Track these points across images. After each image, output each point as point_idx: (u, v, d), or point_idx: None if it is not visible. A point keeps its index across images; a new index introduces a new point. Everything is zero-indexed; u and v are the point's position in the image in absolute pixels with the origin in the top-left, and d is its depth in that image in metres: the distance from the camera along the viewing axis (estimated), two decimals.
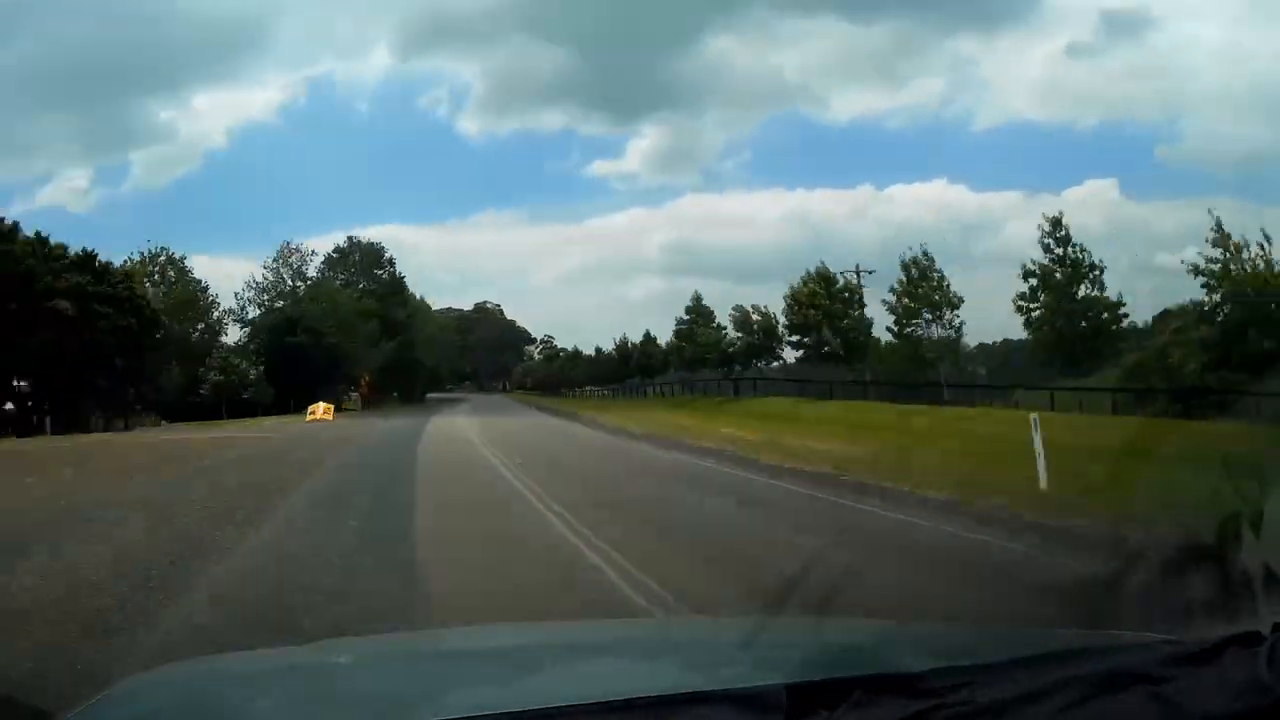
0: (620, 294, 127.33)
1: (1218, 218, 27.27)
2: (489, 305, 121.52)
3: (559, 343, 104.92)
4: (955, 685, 1.37)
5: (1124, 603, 4.40)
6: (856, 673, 1.53)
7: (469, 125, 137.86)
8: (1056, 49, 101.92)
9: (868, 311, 44.80)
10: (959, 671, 1.49)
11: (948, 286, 40.40)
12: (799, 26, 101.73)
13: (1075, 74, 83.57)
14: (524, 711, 1.40)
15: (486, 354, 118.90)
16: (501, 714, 1.39)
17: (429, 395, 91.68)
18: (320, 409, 44.71)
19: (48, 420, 39.33)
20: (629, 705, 1.40)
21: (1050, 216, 35.54)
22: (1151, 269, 68.34)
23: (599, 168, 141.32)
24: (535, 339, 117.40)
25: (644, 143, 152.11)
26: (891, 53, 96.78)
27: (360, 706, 1.64)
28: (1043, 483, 10.06)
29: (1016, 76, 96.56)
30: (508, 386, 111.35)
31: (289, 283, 76.83)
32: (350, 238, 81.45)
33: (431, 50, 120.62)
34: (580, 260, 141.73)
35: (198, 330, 65.90)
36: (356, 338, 69.54)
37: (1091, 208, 78.90)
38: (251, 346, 66.55)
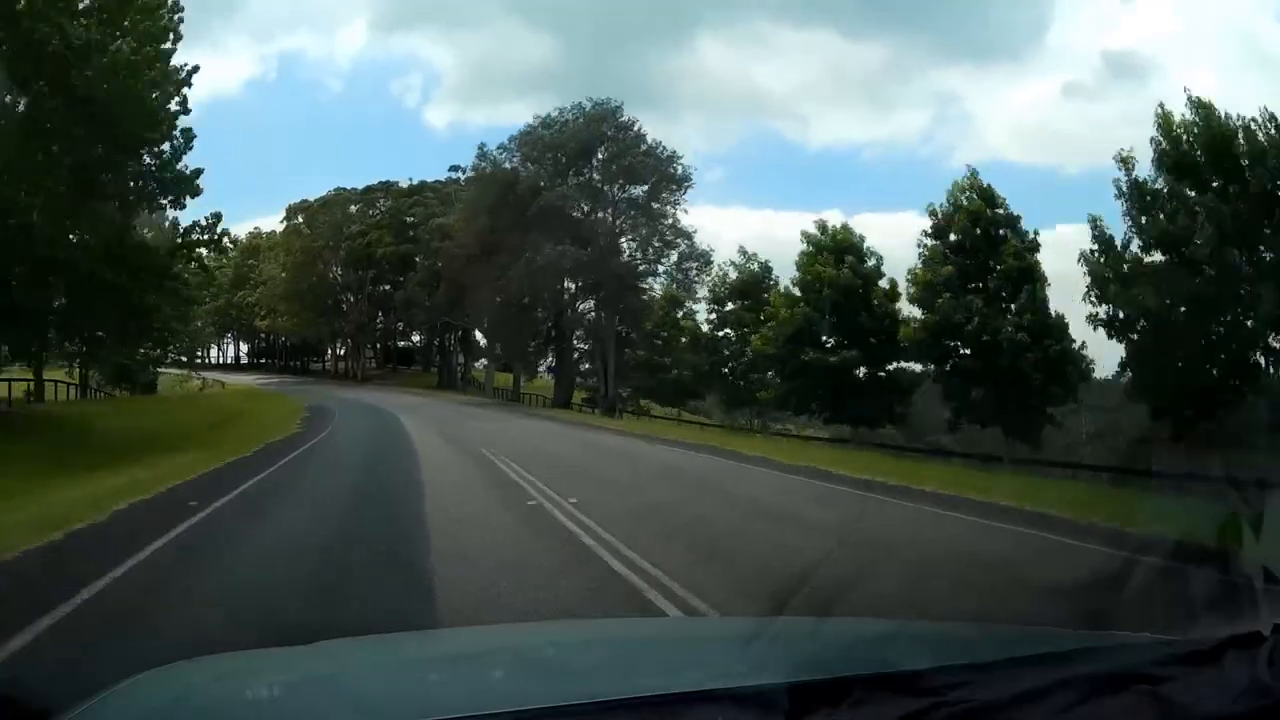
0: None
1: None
2: None
3: None
4: (955, 684, 1.38)
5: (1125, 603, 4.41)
6: (857, 672, 1.54)
7: (436, 114, 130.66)
8: (1051, 89, 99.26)
9: None
10: (959, 671, 1.49)
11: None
12: (792, 39, 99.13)
13: (1064, 116, 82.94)
14: (524, 711, 1.40)
15: None
16: (502, 714, 1.39)
17: None
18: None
19: None
20: (629, 705, 1.41)
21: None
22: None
23: None
24: None
25: None
26: (879, 76, 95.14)
27: (360, 706, 1.64)
28: None
29: (1001, 114, 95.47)
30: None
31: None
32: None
33: (405, 31, 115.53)
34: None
35: None
36: None
37: (1061, 251, 78.92)
38: None
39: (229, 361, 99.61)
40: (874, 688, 1.38)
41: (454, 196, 57.16)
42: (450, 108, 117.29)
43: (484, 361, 63.13)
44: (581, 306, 50.33)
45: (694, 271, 45.73)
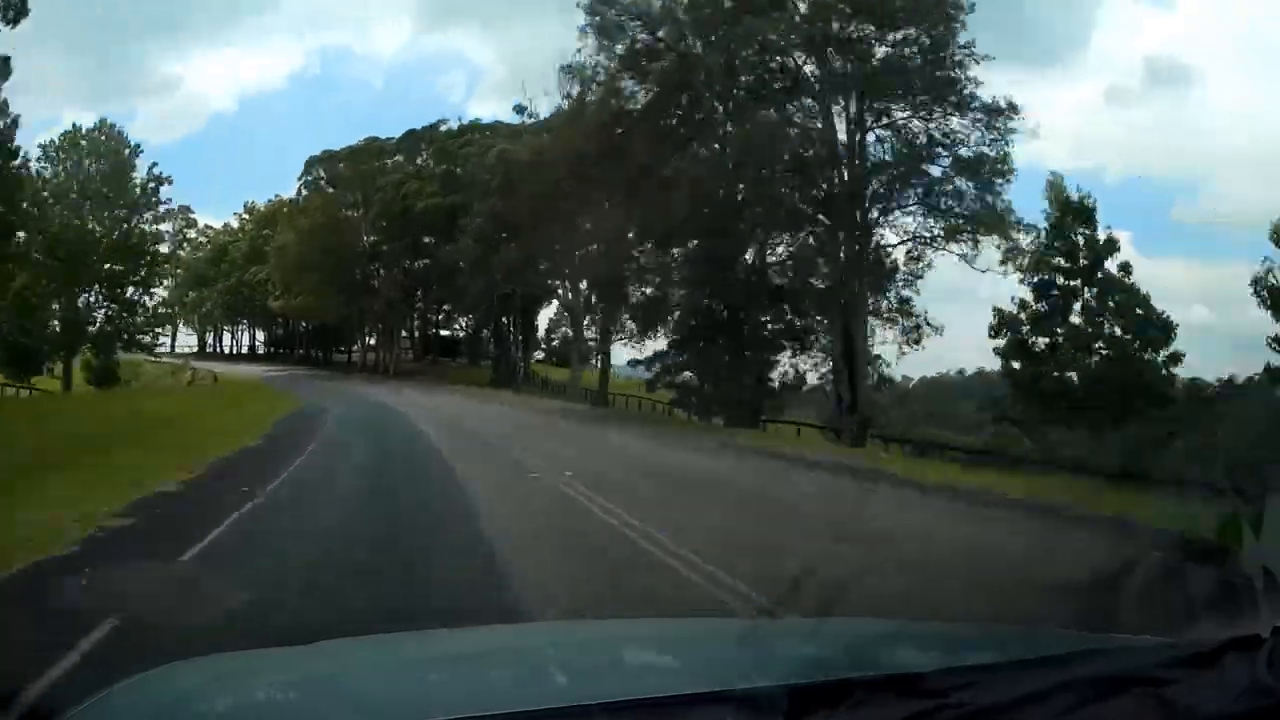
0: None
1: None
2: None
3: None
4: (957, 686, 1.38)
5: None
6: (857, 673, 1.53)
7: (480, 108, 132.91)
8: (1094, 94, 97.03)
9: None
10: (960, 672, 1.49)
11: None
12: None
13: (1107, 121, 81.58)
14: (524, 712, 1.40)
15: None
16: (502, 714, 1.39)
17: None
18: None
19: None
20: (629, 706, 1.41)
21: None
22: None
23: None
24: None
25: None
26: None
27: (360, 707, 1.64)
28: None
29: (1047, 119, 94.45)
30: None
31: None
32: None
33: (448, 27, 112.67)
34: None
35: None
36: None
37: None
38: None
39: (241, 351, 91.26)
40: (874, 689, 1.38)
41: (524, 131, 41.34)
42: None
43: (583, 340, 45.42)
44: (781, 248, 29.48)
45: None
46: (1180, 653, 1.51)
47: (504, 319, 54.39)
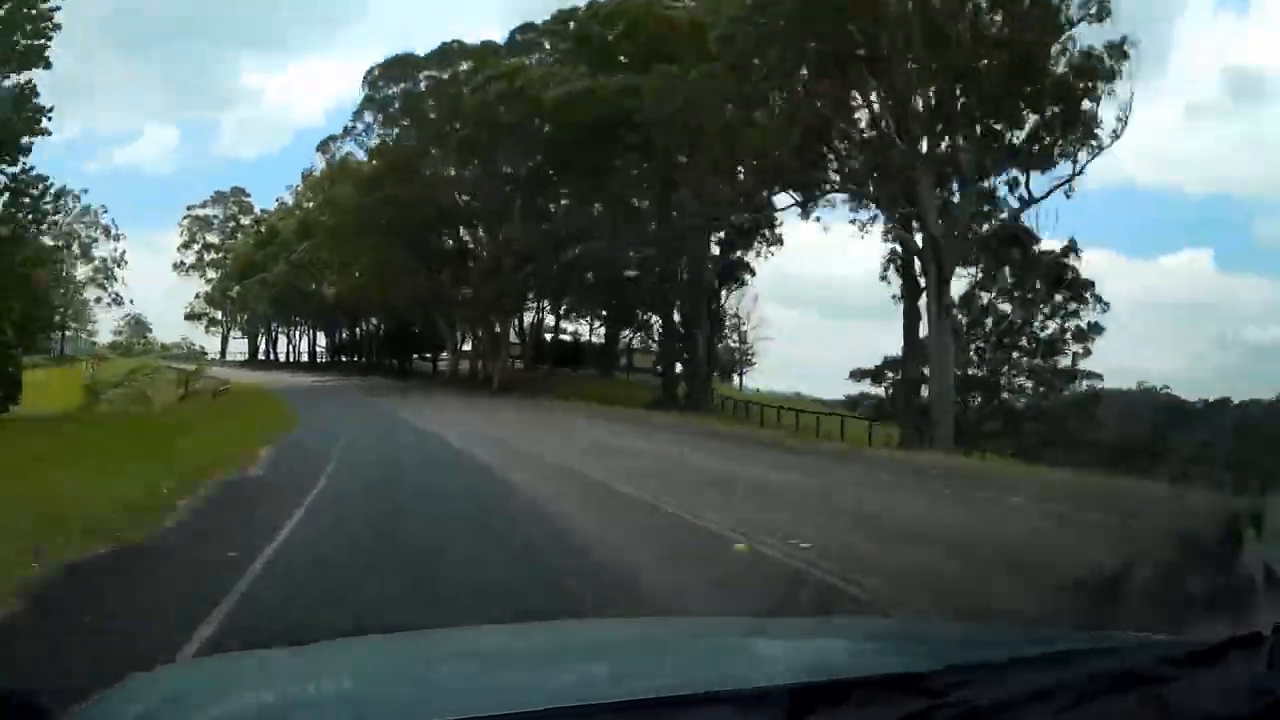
0: None
1: None
2: None
3: None
4: (957, 685, 1.38)
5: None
6: (857, 673, 1.54)
7: None
8: (1176, 109, 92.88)
9: None
10: (960, 671, 1.49)
11: None
12: None
13: (1191, 137, 79.72)
14: (524, 713, 1.40)
15: None
16: (501, 715, 1.39)
17: None
18: None
19: None
20: (629, 706, 1.40)
21: None
22: (1236, 343, 66.03)
23: None
24: None
25: None
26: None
27: (360, 707, 1.64)
28: None
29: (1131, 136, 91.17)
30: None
31: None
32: None
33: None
34: None
35: None
36: None
37: (1180, 276, 76.37)
38: None
39: (299, 359, 75.12)
40: (875, 688, 1.38)
41: None
42: None
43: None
44: None
45: None
46: (1180, 651, 1.51)
47: (677, 306, 35.32)
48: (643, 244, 31.14)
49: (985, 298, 30.43)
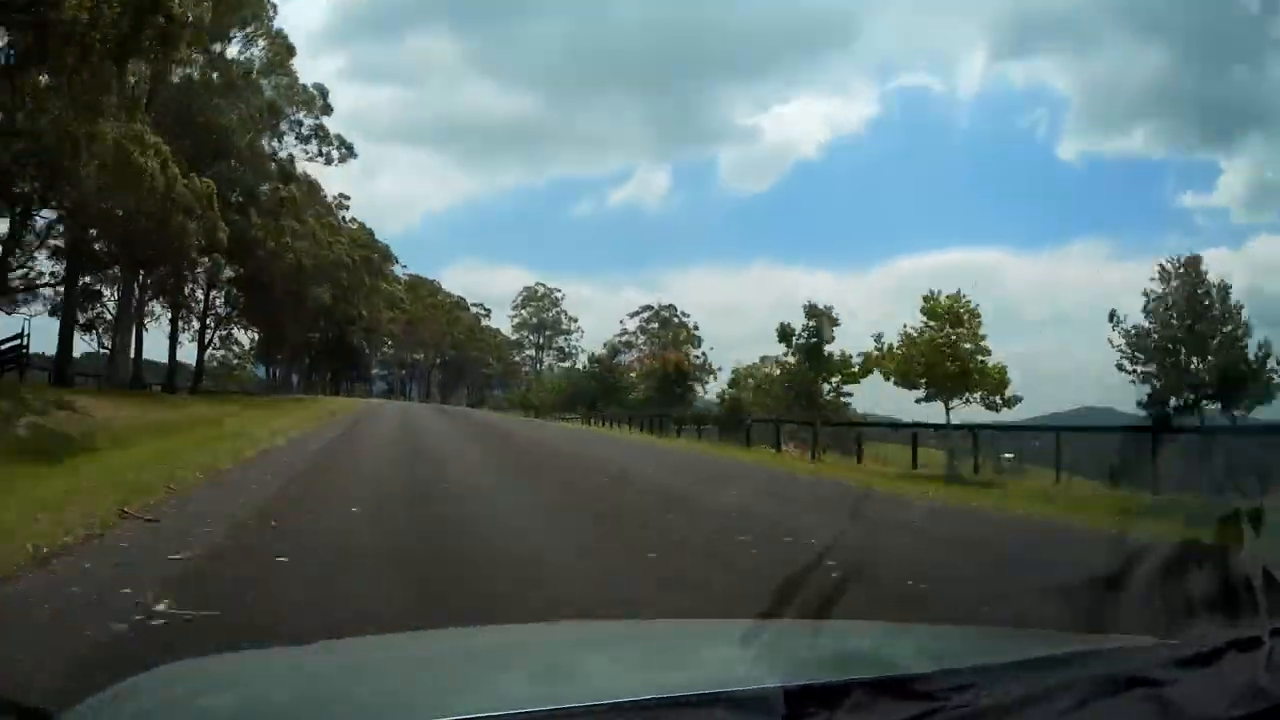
0: None
1: None
2: None
3: None
4: (954, 687, 1.37)
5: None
6: (855, 675, 1.53)
7: (1066, 146, 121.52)
8: None
9: None
10: (959, 674, 1.49)
11: None
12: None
13: None
14: (523, 713, 1.40)
15: None
16: (501, 715, 1.39)
17: None
18: None
19: None
20: (623, 709, 1.40)
21: None
22: None
23: (1185, 200, 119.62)
24: None
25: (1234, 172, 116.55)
26: None
27: (360, 707, 1.64)
28: None
29: None
30: None
31: None
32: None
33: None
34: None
35: None
36: None
37: None
38: None
39: None
40: (872, 691, 1.38)
41: None
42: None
43: None
44: None
45: None
46: (1180, 653, 1.51)
47: None
48: None
49: None
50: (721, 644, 2.25)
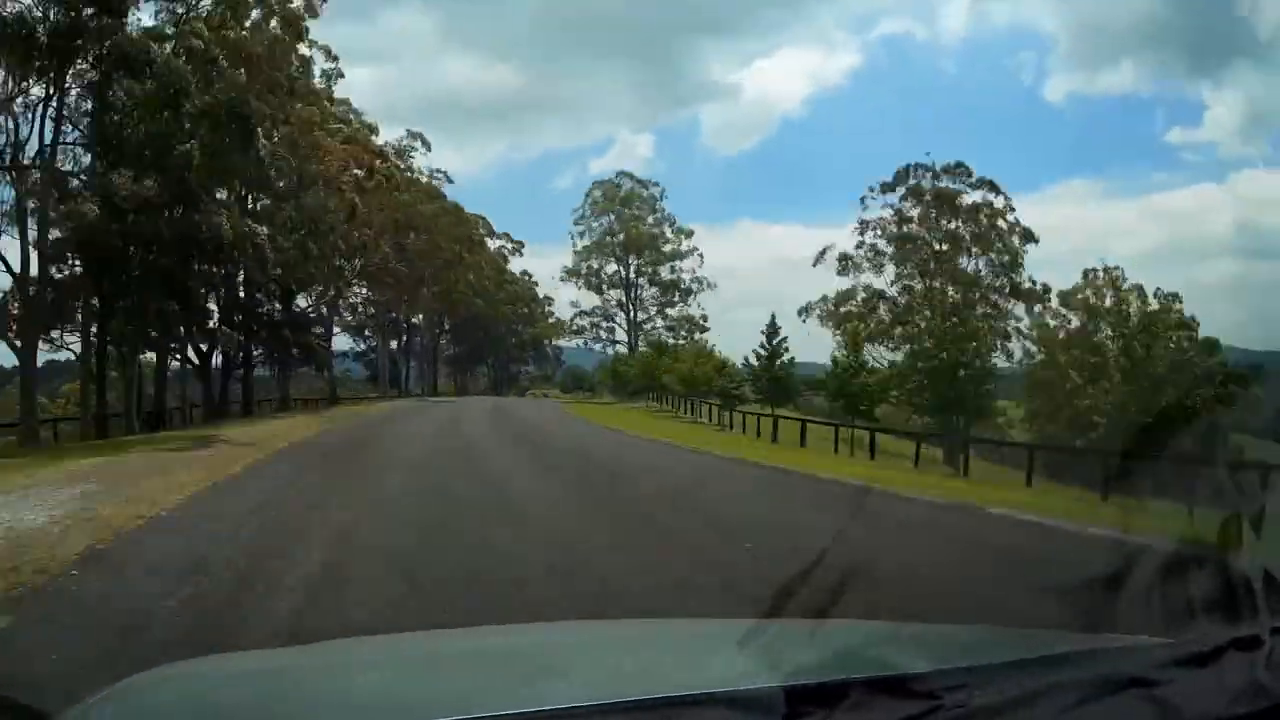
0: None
1: None
2: None
3: None
4: (953, 687, 1.37)
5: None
6: (854, 674, 1.53)
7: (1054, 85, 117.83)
8: None
9: None
10: (957, 673, 1.48)
11: None
12: None
13: None
14: (523, 713, 1.40)
15: None
16: (500, 715, 1.39)
17: None
18: None
19: None
20: (623, 709, 1.40)
21: None
22: None
23: (1172, 135, 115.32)
24: None
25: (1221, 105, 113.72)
26: None
27: (360, 707, 1.64)
28: None
29: None
30: None
31: None
32: None
33: None
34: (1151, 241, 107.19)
35: None
36: None
37: None
38: None
39: None
40: (871, 690, 1.38)
41: None
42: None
43: None
44: None
45: None
46: (1179, 653, 1.50)
47: None
48: None
49: None
50: (721, 644, 2.25)
